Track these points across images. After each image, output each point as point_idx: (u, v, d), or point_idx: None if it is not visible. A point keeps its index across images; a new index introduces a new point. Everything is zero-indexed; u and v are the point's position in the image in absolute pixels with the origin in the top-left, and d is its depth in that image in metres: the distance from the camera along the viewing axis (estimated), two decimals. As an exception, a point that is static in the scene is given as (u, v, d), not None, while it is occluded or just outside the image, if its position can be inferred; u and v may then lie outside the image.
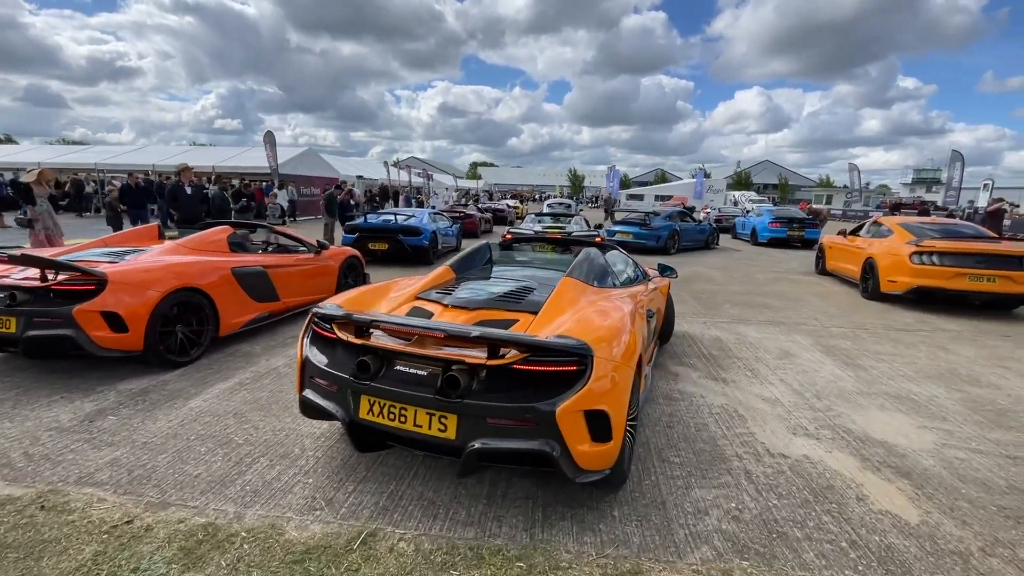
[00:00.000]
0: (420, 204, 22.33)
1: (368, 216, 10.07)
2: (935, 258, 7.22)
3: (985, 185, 38.51)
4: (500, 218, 21.87)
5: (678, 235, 13.31)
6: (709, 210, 26.67)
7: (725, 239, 17.89)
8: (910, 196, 63.10)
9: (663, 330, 4.71)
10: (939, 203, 31.49)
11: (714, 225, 16.05)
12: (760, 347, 5.18)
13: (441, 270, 3.47)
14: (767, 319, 6.38)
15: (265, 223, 6.90)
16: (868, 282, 8.28)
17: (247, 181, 13.73)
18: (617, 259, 4.38)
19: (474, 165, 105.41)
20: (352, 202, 13.02)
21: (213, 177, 16.33)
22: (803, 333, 5.76)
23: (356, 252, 6.90)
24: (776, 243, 15.72)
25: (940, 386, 4.21)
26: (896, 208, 25.29)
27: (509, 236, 8.47)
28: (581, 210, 25.23)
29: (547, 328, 2.44)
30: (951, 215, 24.91)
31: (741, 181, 73.37)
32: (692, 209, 38.40)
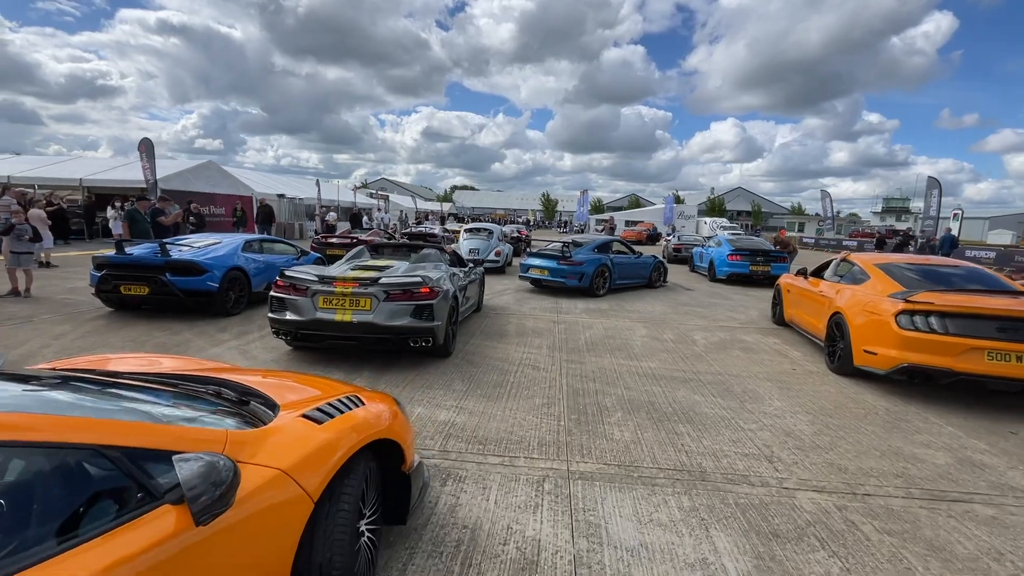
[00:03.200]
0: (330, 227, 19.00)
1: (125, 244, 6.79)
2: (934, 322, 4.45)
3: (955, 215, 37.37)
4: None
5: (609, 271, 10.30)
6: (668, 238, 23.97)
7: (681, 273, 15.05)
8: (881, 224, 62.18)
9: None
10: (917, 231, 29.34)
11: (660, 257, 13.14)
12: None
13: None
14: (675, 464, 3.25)
15: None
16: (836, 348, 5.49)
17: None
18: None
19: (452, 188, 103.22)
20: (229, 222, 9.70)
21: None
22: (736, 521, 2.64)
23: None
24: (737, 279, 12.89)
25: None
26: (882, 243, 22.18)
27: (280, 283, 5.33)
28: (527, 233, 22.25)
29: None
30: (904, 243, 21.97)
31: (715, 208, 72.28)
32: (658, 236, 36.12)
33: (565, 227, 57.45)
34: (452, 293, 5.43)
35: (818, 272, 7.16)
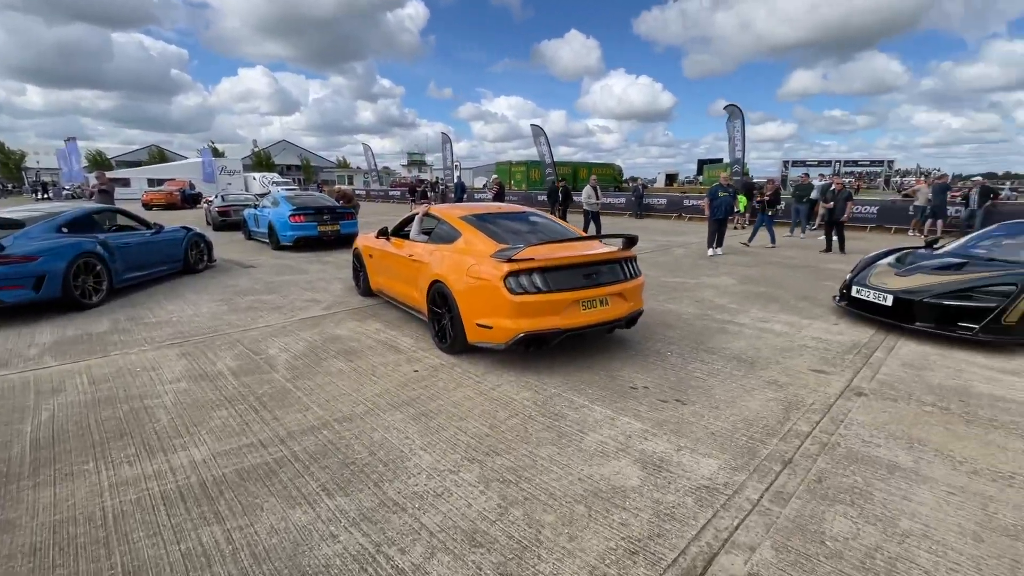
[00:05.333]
0: None
1: None
2: (538, 279, 4.01)
3: (457, 166, 47.48)
4: None
5: (102, 261, 6.21)
6: (210, 199, 19.23)
7: (236, 242, 11.71)
8: (411, 176, 73.06)
9: None
10: (437, 179, 34.89)
11: (196, 228, 9.48)
12: None
13: None
14: None
15: None
16: (444, 324, 4.55)
17: None
18: None
19: None
20: None
21: None
22: None
23: None
24: (306, 243, 10.89)
25: None
26: (413, 190, 24.82)
27: None
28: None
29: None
30: (432, 188, 26.66)
31: (262, 162, 66.49)
32: (198, 196, 29.28)
33: (45, 192, 39.60)
34: None
35: (400, 231, 6.01)
